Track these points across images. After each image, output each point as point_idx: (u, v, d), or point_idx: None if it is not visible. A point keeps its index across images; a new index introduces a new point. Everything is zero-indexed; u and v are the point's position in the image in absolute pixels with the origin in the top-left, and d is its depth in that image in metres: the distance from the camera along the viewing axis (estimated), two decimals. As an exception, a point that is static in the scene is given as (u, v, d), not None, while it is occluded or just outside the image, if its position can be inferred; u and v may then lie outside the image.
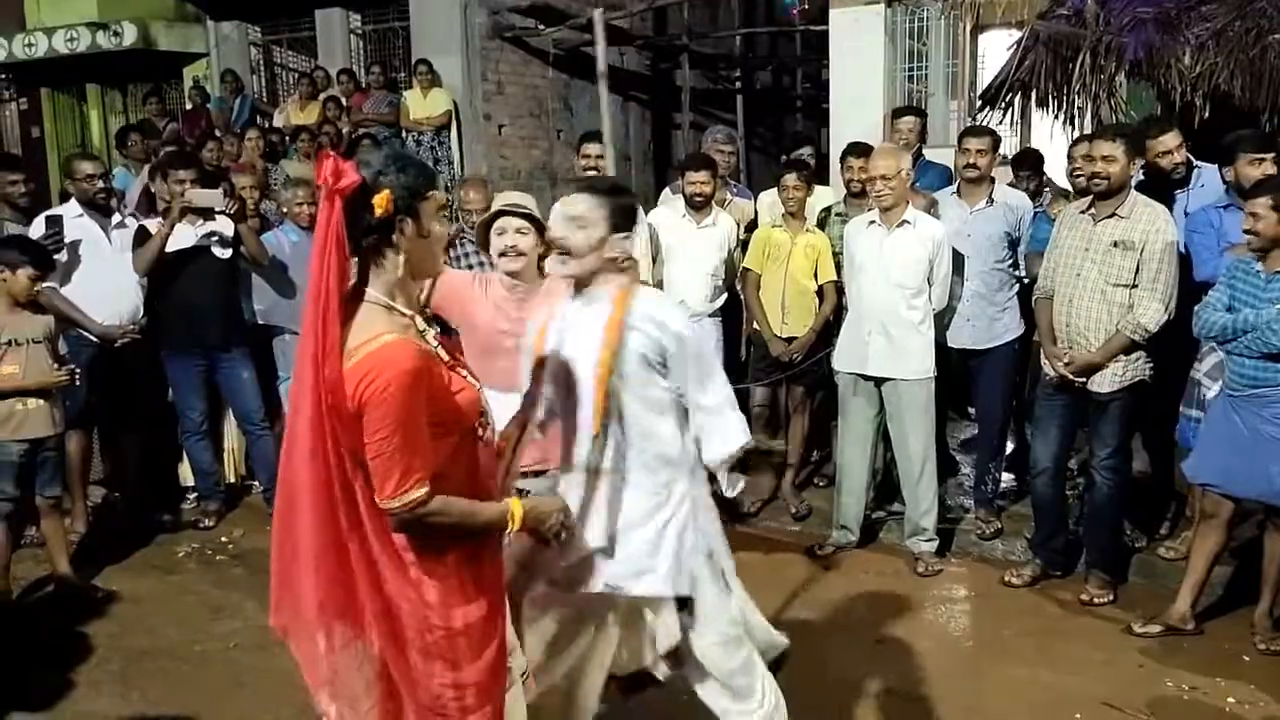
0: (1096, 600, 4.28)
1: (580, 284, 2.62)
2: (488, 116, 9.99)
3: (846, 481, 4.84)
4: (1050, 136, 5.76)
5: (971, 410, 5.44)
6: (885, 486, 5.22)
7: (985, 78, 7.10)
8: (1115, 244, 4.06)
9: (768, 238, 5.28)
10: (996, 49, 6.94)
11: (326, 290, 1.89)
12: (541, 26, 10.08)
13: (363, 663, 2.08)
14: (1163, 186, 4.53)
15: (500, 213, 3.25)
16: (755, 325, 5.42)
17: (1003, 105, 5.58)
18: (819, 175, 6.99)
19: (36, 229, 4.92)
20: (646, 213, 5.36)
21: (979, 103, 6.11)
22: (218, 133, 9.44)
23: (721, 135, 6.31)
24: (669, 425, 2.62)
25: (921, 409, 4.60)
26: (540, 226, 3.15)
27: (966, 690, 3.67)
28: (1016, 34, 5.65)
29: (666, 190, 6.41)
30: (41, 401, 4.30)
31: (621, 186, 2.79)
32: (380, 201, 1.97)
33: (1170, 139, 4.51)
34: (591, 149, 5.25)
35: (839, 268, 5.12)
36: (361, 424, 1.92)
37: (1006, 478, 5.40)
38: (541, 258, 3.19)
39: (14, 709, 3.57)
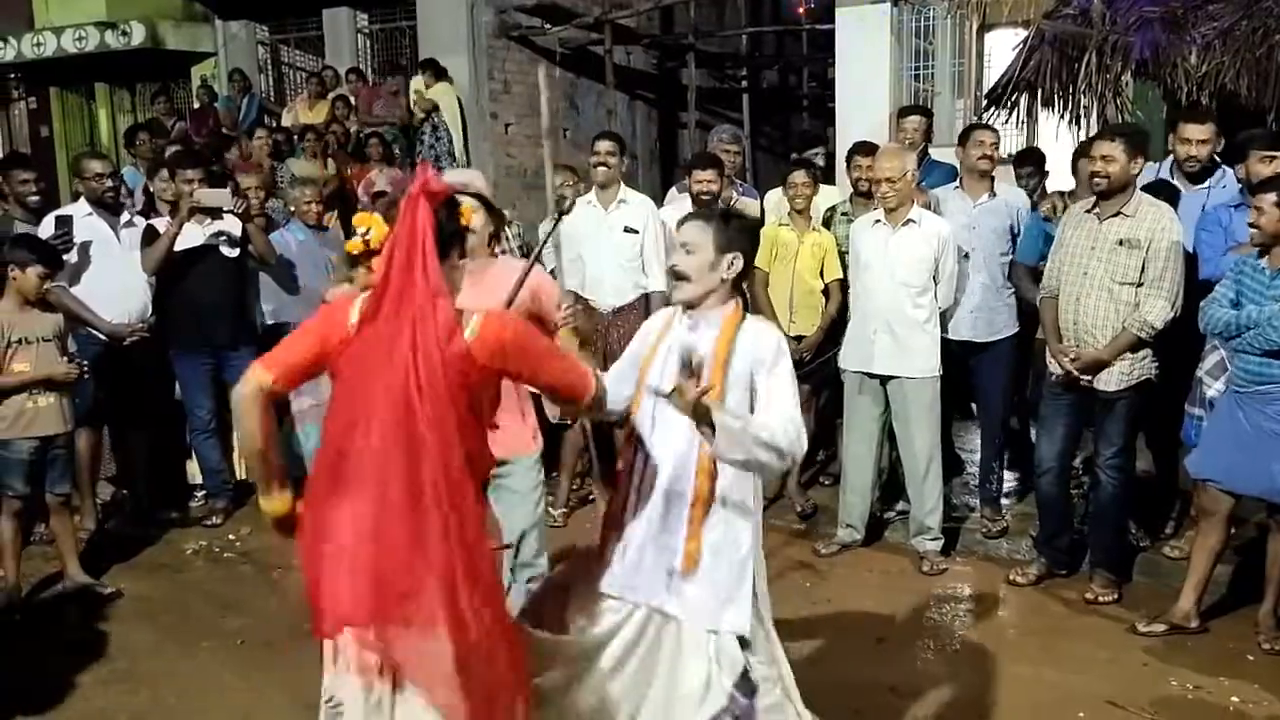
0: (1101, 599, 4.28)
1: (690, 306, 2.66)
2: (494, 115, 10.02)
3: (852, 480, 4.86)
4: (1056, 136, 5.77)
5: (973, 406, 5.44)
6: (890, 485, 5.24)
7: (991, 77, 7.12)
8: (1121, 242, 4.07)
9: (775, 237, 5.29)
10: (1002, 48, 6.95)
11: (432, 283, 2.16)
12: (548, 25, 10.10)
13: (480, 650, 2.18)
14: (1194, 181, 4.54)
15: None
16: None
17: (1008, 105, 5.59)
18: (825, 175, 7.00)
19: (46, 229, 4.95)
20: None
21: (985, 102, 6.12)
22: (225, 132, 9.49)
23: (727, 135, 6.32)
24: None
25: (927, 407, 4.62)
26: (488, 205, 3.14)
27: (970, 688, 3.68)
28: (1022, 33, 5.66)
29: (673, 190, 6.42)
30: (52, 399, 4.33)
31: (733, 213, 2.84)
32: (466, 212, 2.36)
33: (1193, 129, 4.48)
34: (602, 145, 5.26)
35: (845, 267, 5.13)
36: (499, 375, 2.27)
37: (1010, 476, 5.41)
38: (493, 236, 3.30)
39: (22, 705, 3.59)
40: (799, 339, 5.22)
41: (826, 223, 5.49)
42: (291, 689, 3.66)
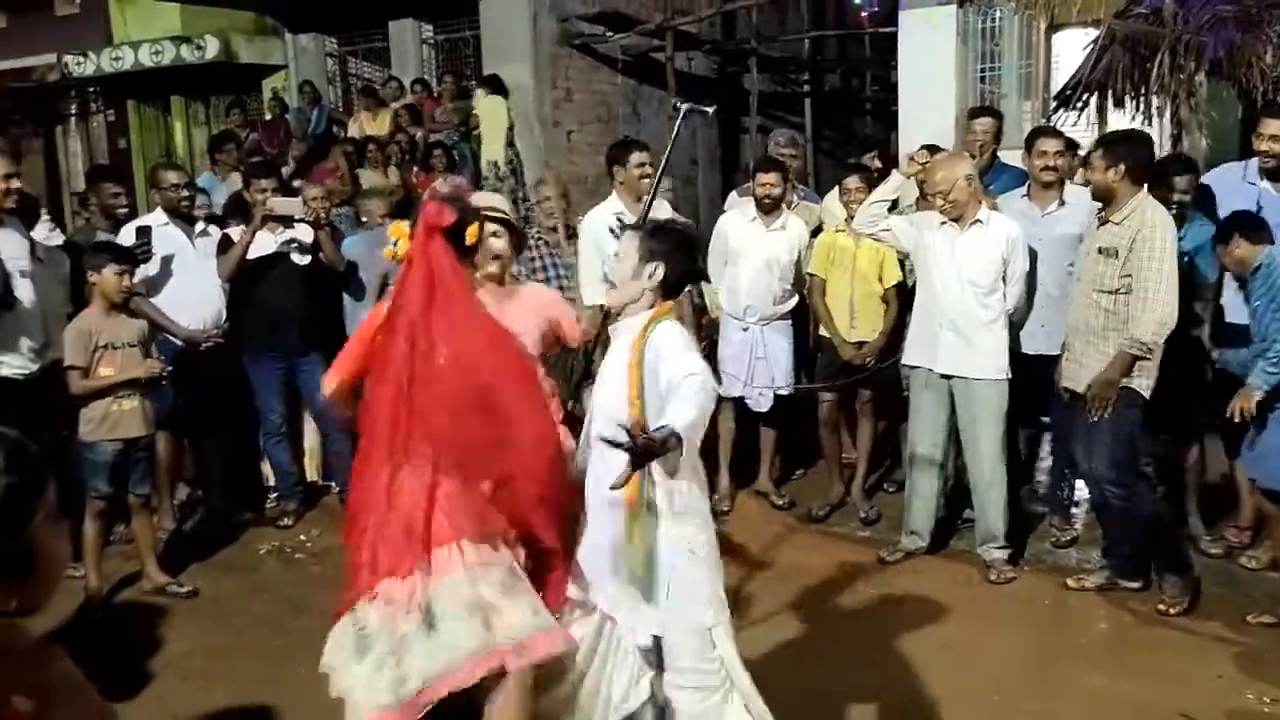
0: (1171, 610, 4.19)
1: (618, 312, 2.81)
2: (556, 123, 10.10)
3: (917, 486, 4.81)
4: (1127, 138, 5.64)
5: (1045, 419, 5.35)
6: (957, 492, 5.17)
7: (1060, 78, 7.00)
8: (1100, 250, 4.10)
9: (832, 243, 5.27)
10: (1072, 49, 6.83)
11: (464, 292, 2.72)
12: (610, 33, 10.16)
13: None
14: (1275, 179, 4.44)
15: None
16: (823, 330, 5.41)
17: (1078, 106, 5.50)
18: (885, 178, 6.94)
19: (126, 238, 5.11)
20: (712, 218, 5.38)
21: (1054, 104, 6.03)
22: (294, 142, 9.71)
23: (784, 138, 6.31)
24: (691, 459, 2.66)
25: (993, 411, 4.55)
26: (512, 229, 3.35)
27: (1038, 699, 3.63)
28: (1093, 33, 5.57)
29: (733, 194, 6.42)
30: (135, 403, 4.48)
31: (663, 226, 2.94)
32: (472, 233, 2.77)
33: (1274, 125, 4.38)
34: (635, 158, 5.25)
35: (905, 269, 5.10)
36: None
37: (1082, 485, 5.30)
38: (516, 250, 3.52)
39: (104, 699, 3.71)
40: (860, 344, 5.19)
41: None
42: (361, 688, 3.73)
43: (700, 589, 2.69)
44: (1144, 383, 4.09)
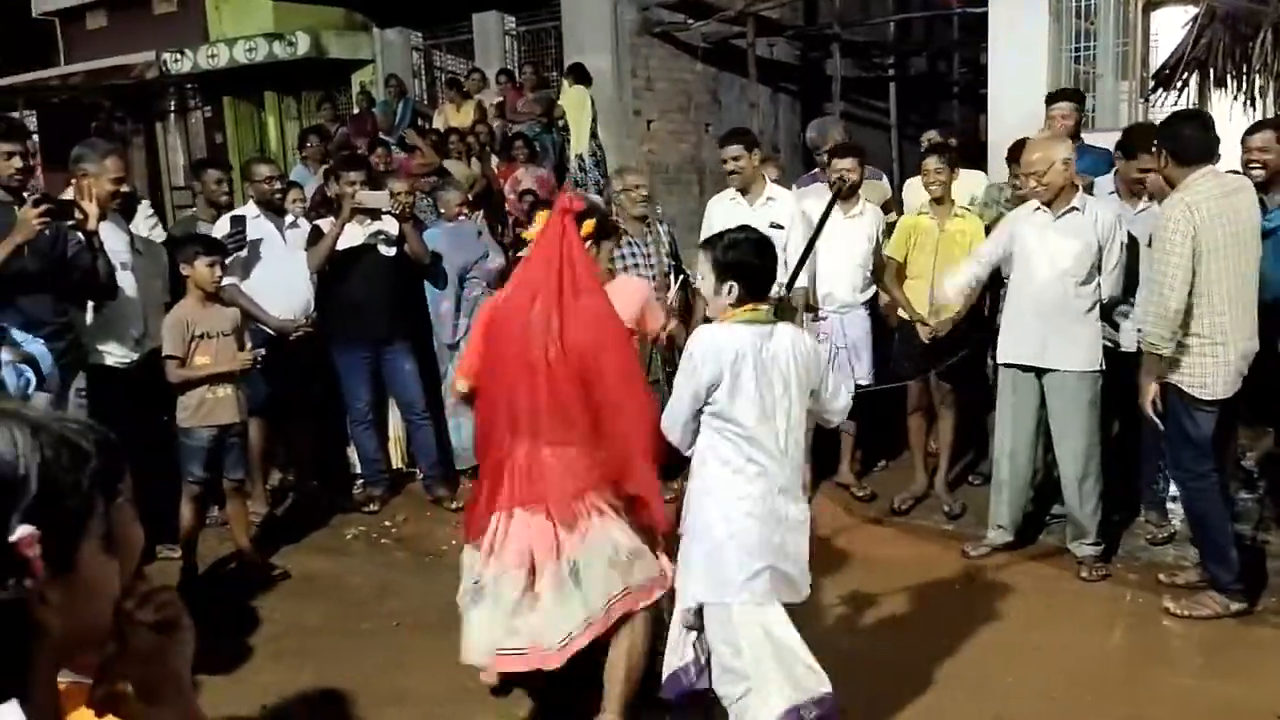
0: (1221, 610, 4.02)
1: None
2: (637, 112, 10.11)
3: (1004, 479, 4.68)
4: (1229, 117, 5.42)
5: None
6: (1046, 486, 5.03)
7: (1158, 57, 6.76)
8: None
9: (914, 225, 5.16)
10: (1170, 27, 6.58)
11: (590, 271, 3.15)
12: (690, 20, 10.12)
13: None
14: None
15: None
16: (900, 314, 5.31)
17: (1177, 86, 5.29)
18: (976, 162, 6.78)
19: (221, 228, 5.27)
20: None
21: (1151, 84, 5.82)
22: (383, 136, 9.89)
23: (815, 131, 6.26)
24: None
25: (1087, 404, 4.41)
26: (604, 223, 3.51)
27: (1128, 699, 3.53)
28: (1192, 10, 5.37)
29: (794, 187, 6.36)
30: (229, 390, 4.62)
31: (733, 240, 2.98)
32: (588, 227, 3.17)
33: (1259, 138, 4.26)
34: (728, 151, 5.21)
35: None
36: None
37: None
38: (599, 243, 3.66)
39: (198, 676, 3.85)
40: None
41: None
42: (447, 673, 3.80)
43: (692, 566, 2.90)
44: (1190, 381, 3.89)
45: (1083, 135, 5.53)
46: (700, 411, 2.84)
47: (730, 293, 2.83)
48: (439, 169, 7.72)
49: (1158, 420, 3.96)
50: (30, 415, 0.94)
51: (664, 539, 3.19)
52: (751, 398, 2.79)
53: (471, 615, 3.22)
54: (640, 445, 3.05)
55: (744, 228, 3.07)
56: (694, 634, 2.92)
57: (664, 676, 2.99)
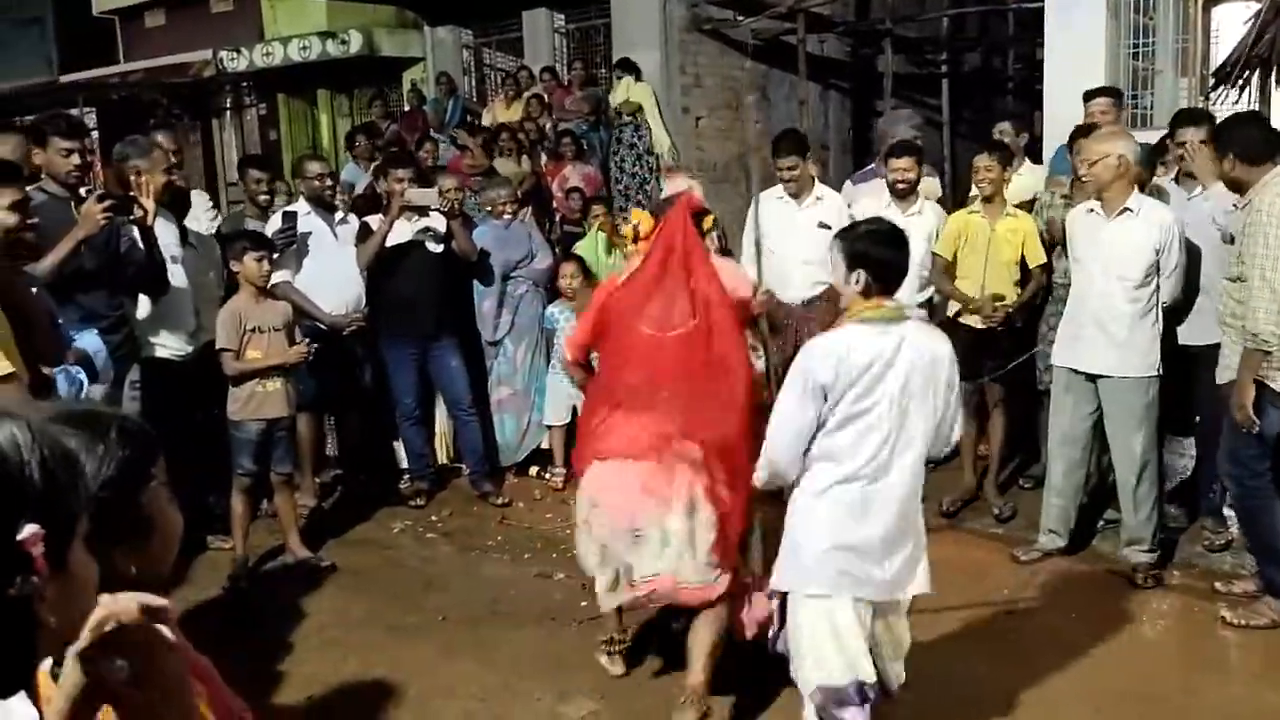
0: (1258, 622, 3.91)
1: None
2: (685, 109, 10.07)
3: (1056, 483, 4.60)
4: (1294, 116, 5.28)
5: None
6: (1099, 490, 4.93)
7: (1219, 54, 6.60)
8: (1231, 237, 4.01)
9: (965, 224, 5.08)
10: (1232, 23, 6.41)
11: (709, 262, 3.43)
12: (740, 17, 10.06)
13: None
14: None
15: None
16: (949, 314, 5.23)
17: (1238, 83, 5.15)
18: (1033, 158, 6.66)
19: (273, 224, 5.34)
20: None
21: (1212, 80, 5.68)
22: (433, 134, 9.97)
23: (904, 125, 6.17)
24: None
25: (1143, 409, 4.31)
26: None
27: (1180, 709, 3.46)
28: (1255, 6, 5.22)
29: (847, 184, 6.29)
30: (279, 385, 4.69)
31: (864, 230, 3.05)
32: (709, 222, 3.50)
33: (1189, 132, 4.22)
34: (784, 162, 5.16)
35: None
36: None
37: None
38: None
39: (246, 666, 3.89)
40: (990, 331, 4.97)
41: (1029, 206, 5.23)
42: (492, 667, 3.83)
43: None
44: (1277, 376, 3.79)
45: (1134, 132, 5.40)
46: (813, 428, 2.78)
47: (858, 282, 2.81)
48: (488, 169, 7.76)
49: (1255, 419, 3.81)
50: (25, 416, 0.96)
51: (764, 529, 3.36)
52: (861, 400, 2.74)
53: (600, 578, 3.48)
54: (742, 427, 3.27)
55: (879, 220, 3.16)
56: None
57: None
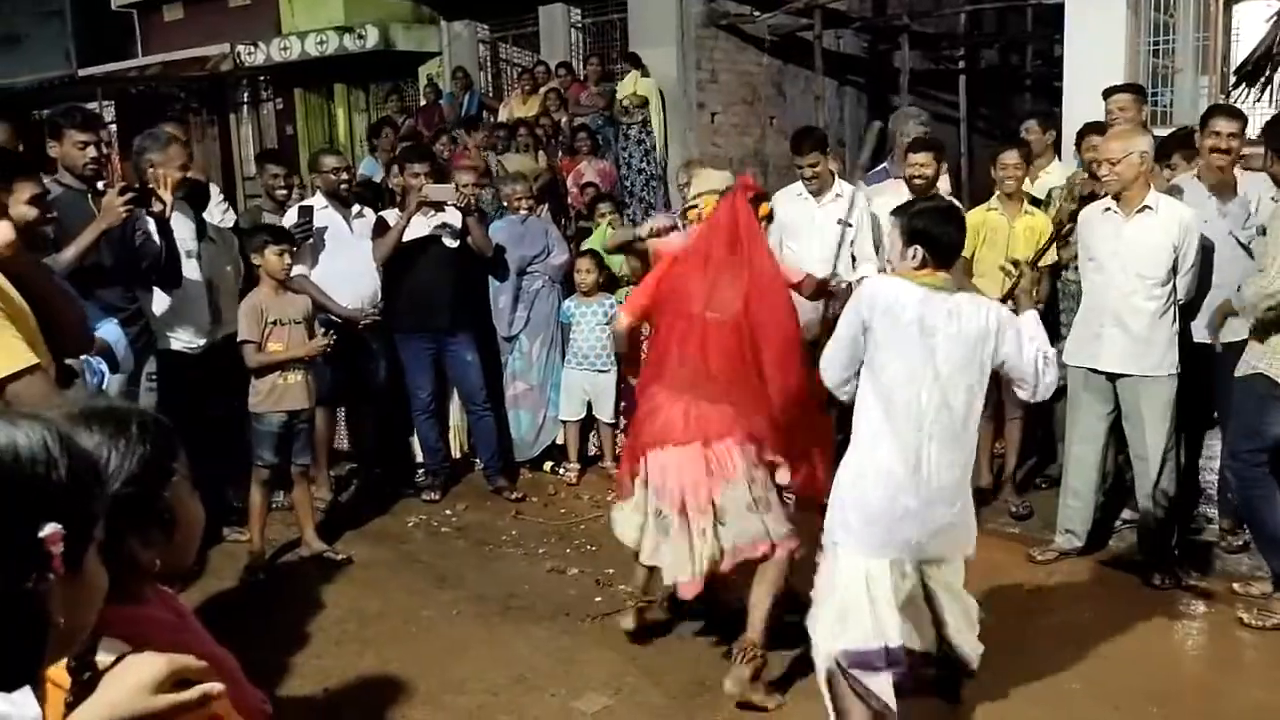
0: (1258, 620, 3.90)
1: None
2: (701, 105, 10.06)
3: (1073, 483, 4.58)
4: (1315, 114, 5.22)
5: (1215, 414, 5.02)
6: (1116, 491, 4.90)
7: (1240, 52, 6.55)
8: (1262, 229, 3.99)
9: (983, 221, 5.06)
10: (1252, 20, 6.38)
11: (764, 245, 3.54)
12: (756, 13, 10.04)
13: None
14: None
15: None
16: None
17: (1260, 81, 5.11)
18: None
19: (289, 218, 5.35)
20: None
21: (1233, 78, 5.64)
22: (448, 127, 10.00)
23: (912, 112, 6.14)
24: None
25: (1162, 408, 4.28)
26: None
27: (1197, 711, 3.44)
28: (1275, 4, 5.17)
29: (860, 184, 6.25)
30: (299, 377, 4.70)
31: (923, 207, 3.14)
32: (765, 209, 3.60)
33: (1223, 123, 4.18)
34: (805, 160, 5.14)
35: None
36: None
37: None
38: None
39: (262, 659, 3.91)
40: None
41: (1042, 202, 5.20)
42: (505, 661, 3.84)
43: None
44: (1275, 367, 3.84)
45: (1154, 130, 5.36)
46: (860, 359, 3.00)
47: (914, 257, 2.94)
48: (484, 170, 7.77)
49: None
50: (53, 418, 0.99)
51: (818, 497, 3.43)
52: (900, 354, 2.90)
53: (662, 550, 3.51)
54: (799, 404, 3.42)
55: (935, 198, 3.40)
56: None
57: None
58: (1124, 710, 3.43)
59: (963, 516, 3.01)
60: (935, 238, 2.95)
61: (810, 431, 3.58)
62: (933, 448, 2.91)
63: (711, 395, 3.41)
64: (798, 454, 3.50)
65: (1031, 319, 3.12)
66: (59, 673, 0.95)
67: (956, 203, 3.38)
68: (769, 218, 3.57)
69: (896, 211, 3.09)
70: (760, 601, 3.43)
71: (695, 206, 3.73)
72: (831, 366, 3.10)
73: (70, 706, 0.95)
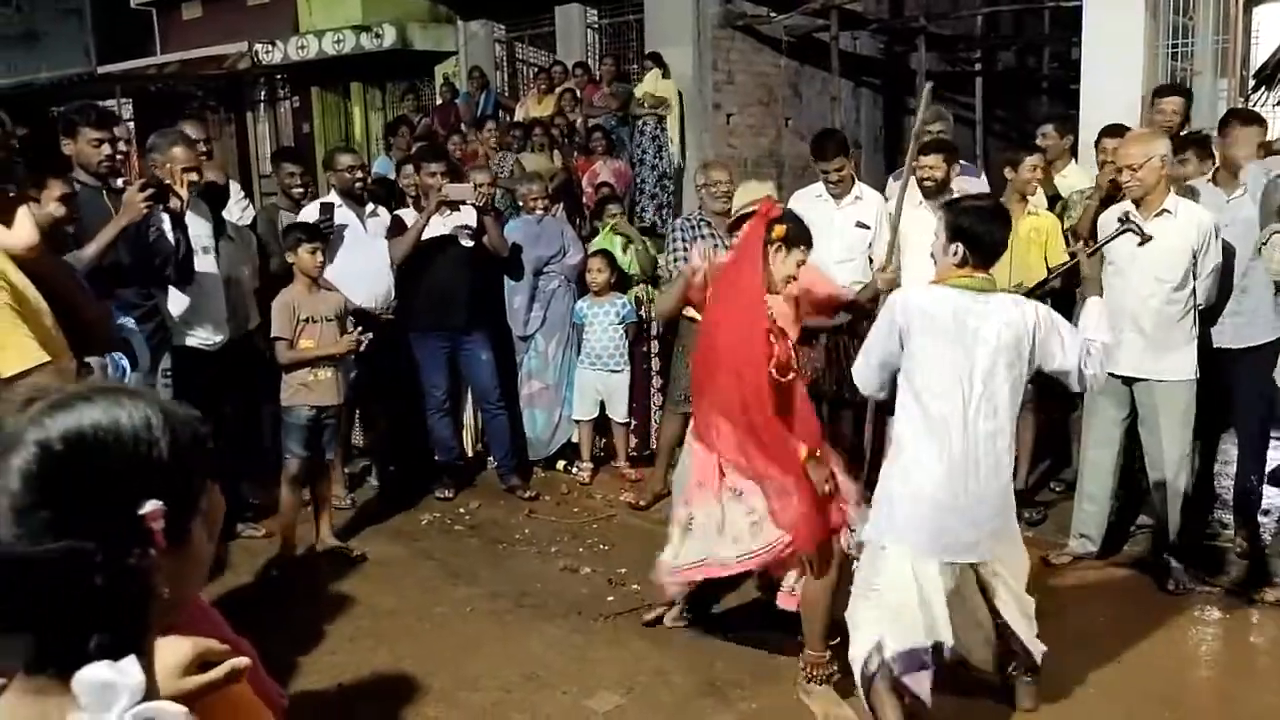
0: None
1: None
2: (717, 105, 10.06)
3: (1089, 487, 4.56)
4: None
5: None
6: (1131, 495, 4.88)
7: (1260, 55, 6.51)
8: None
9: None
10: (1273, 23, 6.34)
11: (753, 273, 3.42)
12: (773, 14, 10.04)
13: None
14: None
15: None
16: None
17: (1279, 85, 5.08)
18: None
19: (311, 213, 5.36)
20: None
21: (1252, 82, 5.61)
22: (463, 126, 10.03)
23: (930, 114, 6.09)
24: None
25: (1180, 413, 4.26)
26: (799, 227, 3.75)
27: (1210, 716, 3.43)
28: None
29: (890, 179, 6.24)
30: (330, 373, 4.74)
31: (967, 205, 3.19)
32: (778, 232, 3.44)
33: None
34: (831, 165, 5.13)
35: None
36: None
37: (1273, 492, 4.94)
38: None
39: (277, 654, 3.93)
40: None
41: (1053, 205, 5.20)
42: (518, 658, 3.85)
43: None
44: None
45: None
46: (894, 366, 3.05)
47: (955, 254, 2.98)
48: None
49: None
50: (158, 397, 1.03)
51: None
52: (939, 358, 2.93)
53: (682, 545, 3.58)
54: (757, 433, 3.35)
55: (982, 196, 3.41)
56: None
57: None
58: (1137, 714, 3.42)
59: (1006, 516, 3.07)
60: (978, 236, 2.98)
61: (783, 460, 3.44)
62: (977, 449, 2.94)
63: (712, 399, 3.47)
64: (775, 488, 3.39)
65: (1094, 306, 3.19)
66: None
67: (1001, 202, 3.41)
68: (783, 240, 3.47)
69: (945, 207, 3.15)
70: (813, 609, 3.44)
71: (743, 222, 3.73)
72: (864, 372, 3.16)
73: None
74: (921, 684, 2.92)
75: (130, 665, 0.90)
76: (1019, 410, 5.03)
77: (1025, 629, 3.16)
